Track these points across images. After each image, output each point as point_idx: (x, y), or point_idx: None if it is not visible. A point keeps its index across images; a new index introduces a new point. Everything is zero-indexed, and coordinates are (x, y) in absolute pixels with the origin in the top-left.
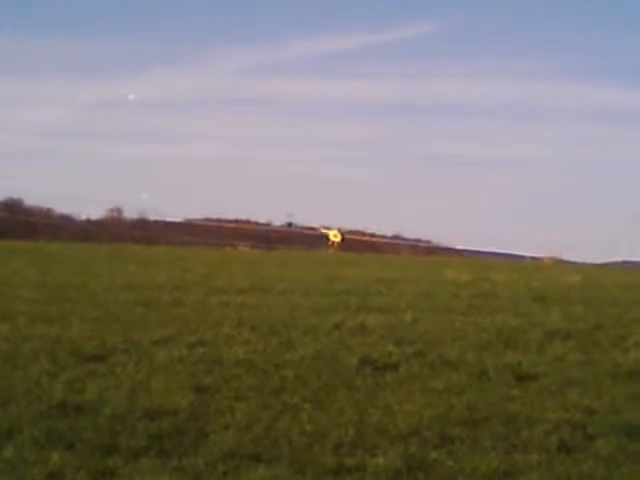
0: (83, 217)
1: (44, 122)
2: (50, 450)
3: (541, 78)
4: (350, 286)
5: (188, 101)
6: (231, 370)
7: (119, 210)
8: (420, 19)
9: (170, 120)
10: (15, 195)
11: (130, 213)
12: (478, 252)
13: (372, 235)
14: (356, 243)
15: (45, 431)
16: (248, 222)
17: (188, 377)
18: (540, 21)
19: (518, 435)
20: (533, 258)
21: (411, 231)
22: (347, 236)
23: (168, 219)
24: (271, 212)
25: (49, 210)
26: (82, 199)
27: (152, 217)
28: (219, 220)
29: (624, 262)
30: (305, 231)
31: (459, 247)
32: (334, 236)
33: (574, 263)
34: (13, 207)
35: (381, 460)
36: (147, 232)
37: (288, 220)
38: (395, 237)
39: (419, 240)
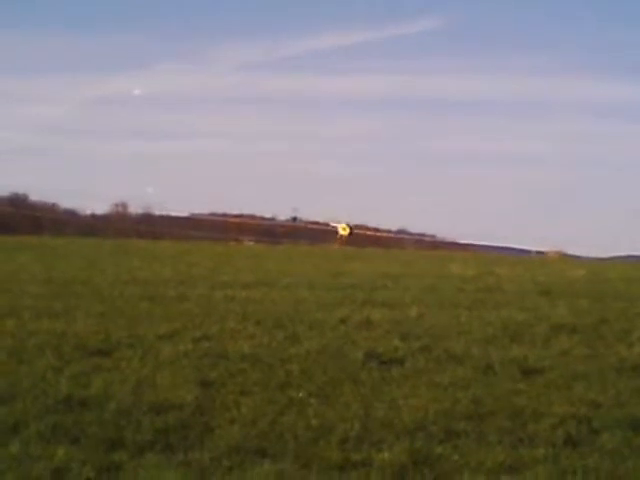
0: (88, 212)
1: (48, 118)
2: (56, 445)
3: (542, 74)
4: (355, 280)
5: (191, 97)
6: (236, 364)
7: (124, 205)
8: (420, 15)
9: (174, 116)
10: (20, 190)
11: (135, 208)
12: (483, 246)
13: (377, 230)
14: (361, 237)
15: (51, 426)
16: (253, 217)
17: (193, 372)
18: (541, 17)
19: (524, 429)
20: (538, 252)
21: (415, 226)
22: (355, 230)
23: (173, 214)
24: (276, 207)
25: (54, 205)
26: (87, 195)
27: (157, 212)
28: (224, 215)
29: (628, 256)
30: (310, 225)
31: (464, 241)
32: (343, 229)
33: (579, 257)
34: (18, 202)
35: (387, 455)
36: (152, 227)
37: (293, 214)
38: (400, 231)
39: (424, 234)
